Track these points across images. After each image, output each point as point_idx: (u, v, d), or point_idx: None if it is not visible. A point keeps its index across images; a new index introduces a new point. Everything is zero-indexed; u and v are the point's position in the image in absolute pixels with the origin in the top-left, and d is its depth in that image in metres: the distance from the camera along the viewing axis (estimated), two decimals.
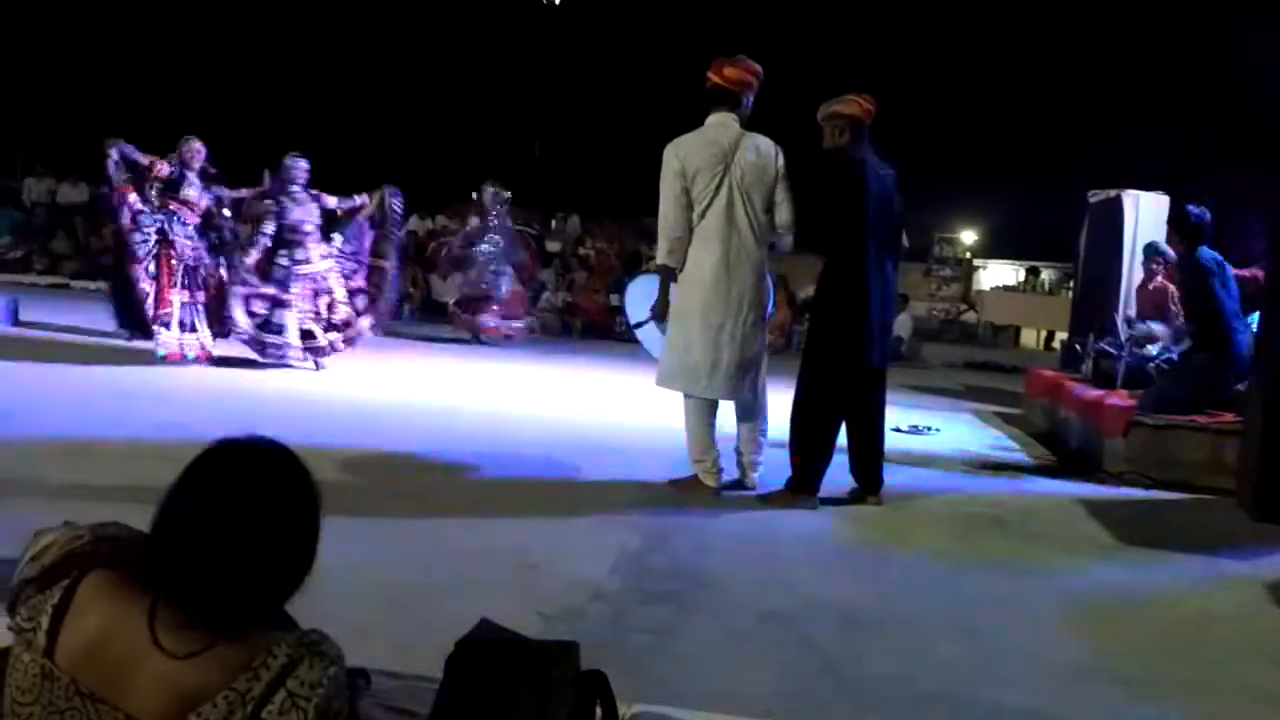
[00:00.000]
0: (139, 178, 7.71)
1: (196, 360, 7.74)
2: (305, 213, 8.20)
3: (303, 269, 8.14)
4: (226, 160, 8.41)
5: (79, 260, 16.22)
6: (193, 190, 7.82)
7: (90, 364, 7.35)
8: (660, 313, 5.20)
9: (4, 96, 26.44)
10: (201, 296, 7.86)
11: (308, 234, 8.20)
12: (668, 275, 5.11)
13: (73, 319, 8.82)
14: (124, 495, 3.69)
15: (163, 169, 7.70)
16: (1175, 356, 6.88)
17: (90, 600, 1.38)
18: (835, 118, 5.05)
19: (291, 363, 8.08)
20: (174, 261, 7.67)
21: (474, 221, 11.88)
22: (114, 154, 7.67)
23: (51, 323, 9.47)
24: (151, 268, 7.60)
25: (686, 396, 5.15)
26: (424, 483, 5.04)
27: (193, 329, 7.78)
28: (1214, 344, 6.31)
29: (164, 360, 7.56)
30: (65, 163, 19.46)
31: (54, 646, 1.37)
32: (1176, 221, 6.78)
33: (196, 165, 7.86)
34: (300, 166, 8.24)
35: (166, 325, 7.62)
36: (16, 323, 9.51)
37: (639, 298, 6.11)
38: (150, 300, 7.60)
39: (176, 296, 7.67)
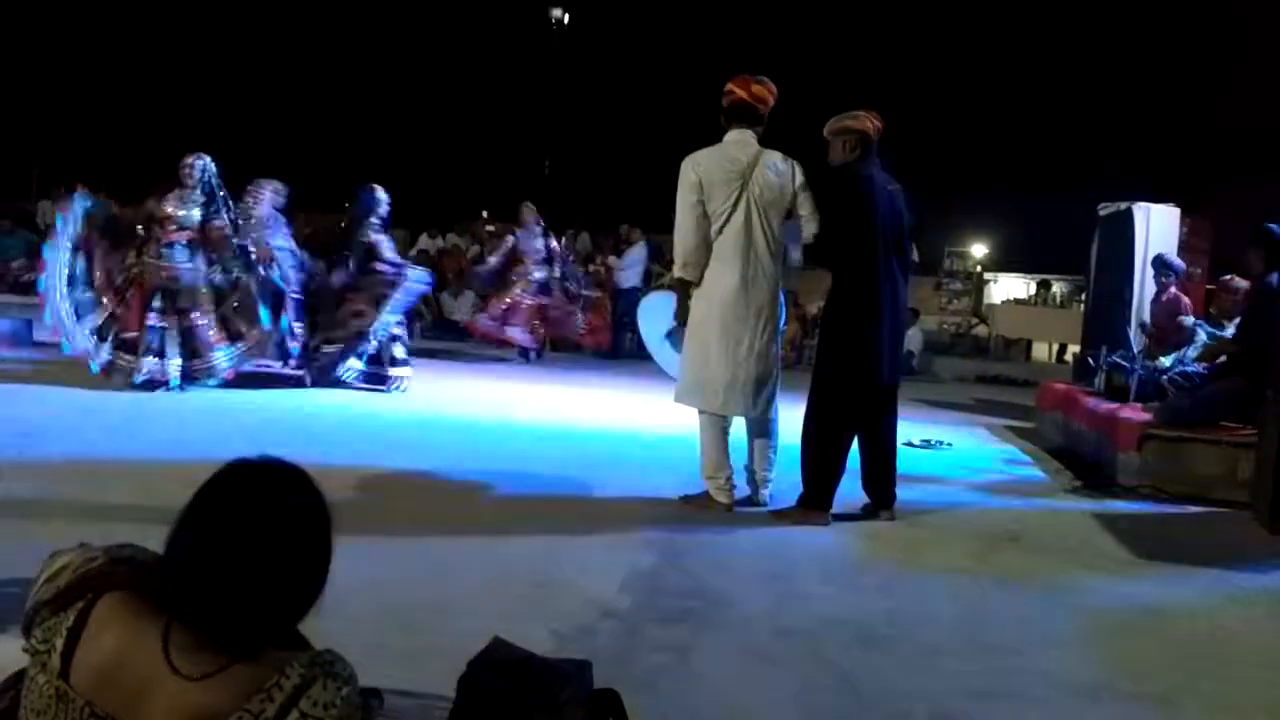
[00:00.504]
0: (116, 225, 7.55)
1: (149, 384, 7.30)
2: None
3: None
4: (244, 181, 8.43)
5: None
6: (169, 205, 7.50)
7: (105, 385, 7.37)
8: (680, 321, 5.22)
9: (20, 121, 26.71)
10: (176, 320, 7.42)
11: None
12: (685, 289, 5.13)
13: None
14: (140, 516, 3.70)
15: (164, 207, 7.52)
16: (1192, 370, 6.83)
17: (105, 622, 1.39)
18: (845, 133, 5.07)
19: (376, 387, 8.23)
20: (145, 282, 7.46)
21: (512, 240, 11.88)
22: (78, 208, 7.46)
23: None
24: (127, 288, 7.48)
25: (701, 412, 5.15)
26: (435, 501, 5.04)
27: (160, 354, 7.38)
28: (1252, 371, 6.04)
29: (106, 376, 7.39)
30: (81, 185, 19.60)
31: (69, 669, 1.38)
32: (1260, 239, 6.41)
33: (190, 181, 7.59)
34: (386, 200, 8.43)
35: (120, 345, 7.40)
36: (32, 344, 9.56)
37: (652, 314, 6.12)
38: (104, 315, 7.40)
39: (153, 320, 7.36)
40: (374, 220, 8.38)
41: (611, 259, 15.44)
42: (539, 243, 11.69)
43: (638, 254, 13.91)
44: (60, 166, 22.71)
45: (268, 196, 8.27)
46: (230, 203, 7.85)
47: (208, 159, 7.72)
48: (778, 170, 5.08)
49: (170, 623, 1.37)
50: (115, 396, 7.11)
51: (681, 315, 5.21)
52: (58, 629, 1.40)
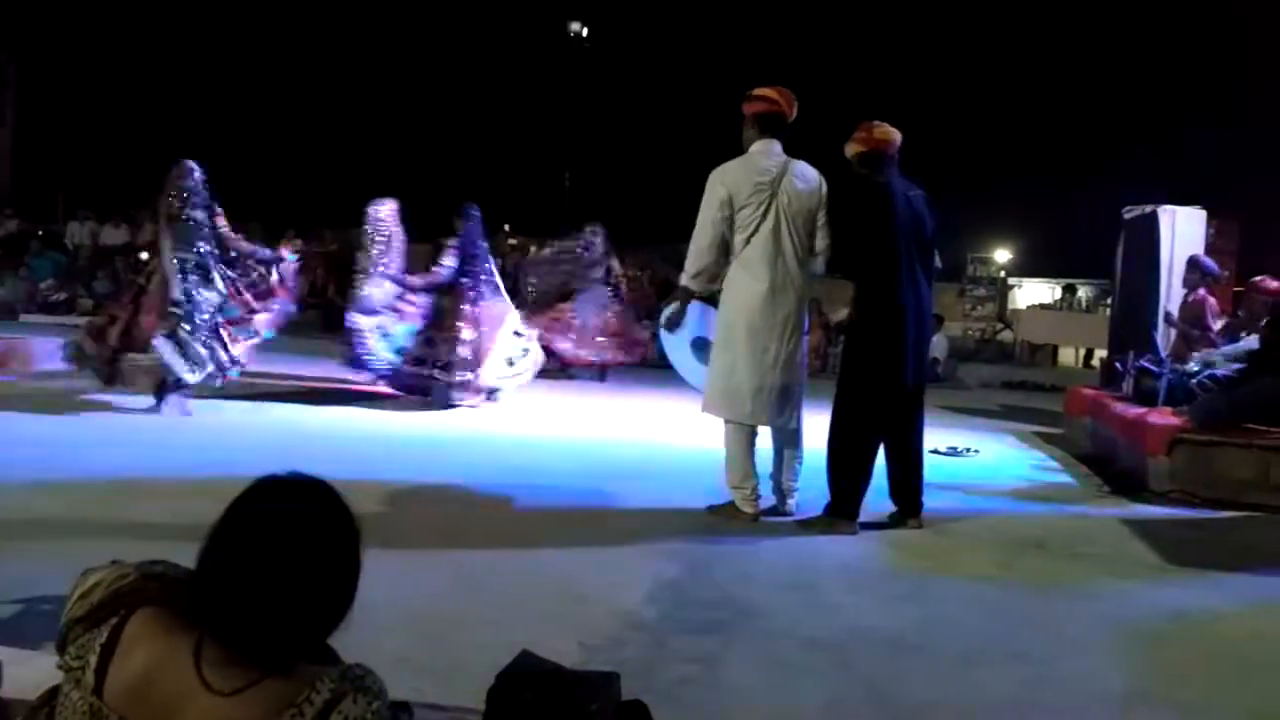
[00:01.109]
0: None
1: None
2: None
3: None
4: (268, 198, 8.49)
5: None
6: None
7: (135, 402, 7.43)
8: (668, 327, 5.26)
9: (47, 143, 27.08)
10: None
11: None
12: (689, 296, 5.18)
13: None
14: (171, 533, 3.75)
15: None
16: (1221, 374, 6.76)
17: (137, 638, 1.40)
18: (851, 158, 5.11)
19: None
20: None
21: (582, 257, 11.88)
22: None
23: None
24: None
25: (727, 422, 5.14)
26: (463, 514, 5.05)
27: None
28: None
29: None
30: (107, 205, 19.90)
31: (102, 685, 1.39)
32: None
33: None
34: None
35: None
36: (62, 362, 9.67)
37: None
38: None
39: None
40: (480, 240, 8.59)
41: (673, 275, 15.62)
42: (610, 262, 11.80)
43: None
44: (87, 189, 23.02)
45: (393, 216, 8.43)
46: (209, 210, 7.43)
47: (190, 166, 7.36)
48: (806, 179, 5.09)
49: (202, 638, 1.38)
50: (146, 414, 7.17)
51: (675, 316, 5.25)
52: (91, 645, 1.42)
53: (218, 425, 7.01)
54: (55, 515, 4.43)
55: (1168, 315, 8.47)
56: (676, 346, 5.91)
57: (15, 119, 26.72)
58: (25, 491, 4.82)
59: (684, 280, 5.20)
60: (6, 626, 3.02)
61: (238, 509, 1.43)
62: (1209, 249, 9.06)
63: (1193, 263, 8.32)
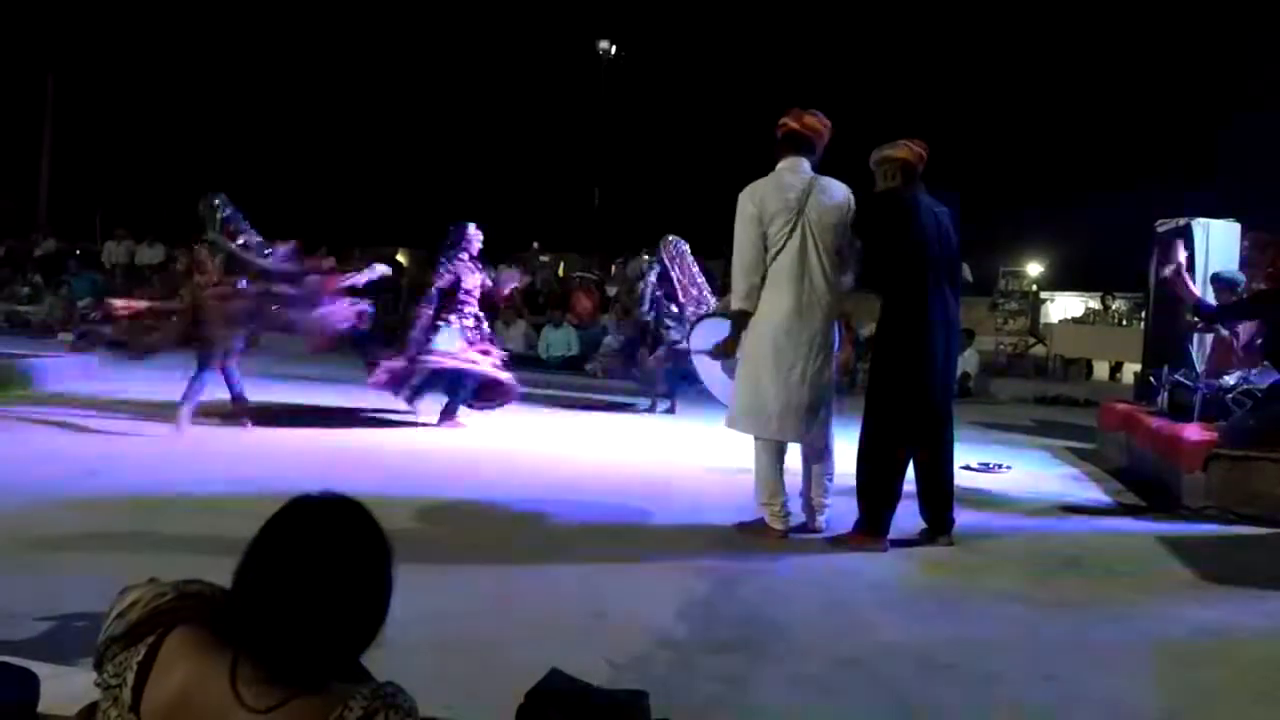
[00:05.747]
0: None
1: None
2: (474, 281, 8.41)
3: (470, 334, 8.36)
4: (300, 217, 8.58)
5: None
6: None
7: (170, 420, 7.52)
8: (724, 351, 5.22)
9: (85, 163, 27.51)
10: None
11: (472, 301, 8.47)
12: (743, 320, 5.13)
13: (150, 375, 9.05)
14: (205, 549, 3.78)
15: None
16: (1255, 386, 6.68)
17: (174, 657, 1.42)
18: (886, 162, 5.08)
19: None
20: None
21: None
22: None
23: (131, 380, 9.71)
24: None
25: (756, 439, 5.14)
26: (491, 531, 5.07)
27: None
28: None
29: None
30: (143, 225, 20.19)
31: (139, 702, 1.41)
32: None
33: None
34: (478, 237, 8.45)
35: None
36: (98, 381, 9.79)
37: (705, 340, 6.11)
38: None
39: None
40: (461, 255, 8.43)
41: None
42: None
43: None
44: (123, 208, 23.32)
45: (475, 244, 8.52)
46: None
47: (216, 197, 7.72)
48: (833, 196, 5.09)
49: (238, 656, 1.41)
50: (181, 433, 7.24)
51: (730, 345, 5.22)
52: (129, 663, 1.44)
53: (250, 442, 7.08)
54: (90, 531, 4.50)
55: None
56: (706, 363, 5.92)
57: (52, 139, 27.19)
58: (60, 507, 4.89)
59: (736, 304, 5.18)
60: (43, 642, 3.07)
61: (272, 528, 1.45)
62: (1244, 263, 8.95)
63: (1214, 280, 8.22)
